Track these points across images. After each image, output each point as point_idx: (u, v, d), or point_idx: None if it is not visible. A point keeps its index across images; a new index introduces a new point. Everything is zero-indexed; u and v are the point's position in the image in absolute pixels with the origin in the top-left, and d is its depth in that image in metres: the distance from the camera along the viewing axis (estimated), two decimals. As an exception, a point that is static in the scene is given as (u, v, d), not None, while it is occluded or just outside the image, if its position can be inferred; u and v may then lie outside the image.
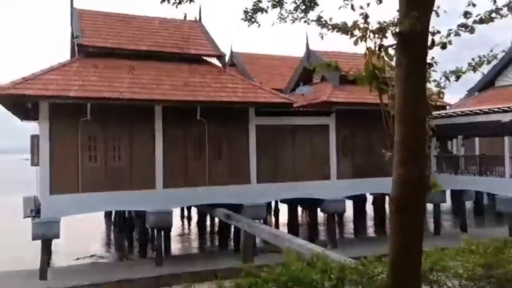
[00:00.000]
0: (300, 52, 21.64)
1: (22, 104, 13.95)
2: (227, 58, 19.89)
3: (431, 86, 3.82)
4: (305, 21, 6.00)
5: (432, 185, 3.40)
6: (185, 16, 19.73)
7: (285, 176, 16.58)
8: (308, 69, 18.73)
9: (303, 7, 6.52)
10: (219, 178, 15.62)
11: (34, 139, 14.55)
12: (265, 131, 16.33)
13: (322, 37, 5.20)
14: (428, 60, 3.47)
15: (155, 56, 16.34)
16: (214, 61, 17.60)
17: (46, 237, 13.39)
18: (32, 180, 15.58)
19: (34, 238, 13.33)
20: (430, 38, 3.43)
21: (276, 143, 16.66)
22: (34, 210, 13.96)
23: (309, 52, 19.32)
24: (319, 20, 4.70)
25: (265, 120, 16.37)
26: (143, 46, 16.47)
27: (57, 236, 13.53)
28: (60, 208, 13.52)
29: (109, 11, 18.43)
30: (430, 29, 3.42)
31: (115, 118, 14.50)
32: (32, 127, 16.77)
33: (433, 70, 3.67)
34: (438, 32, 3.50)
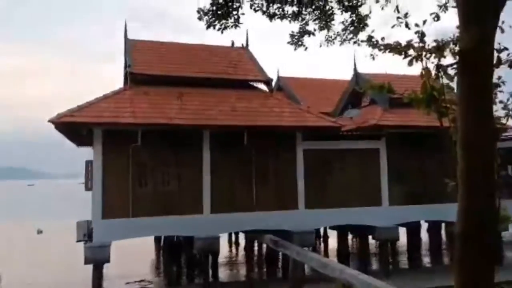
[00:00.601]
0: (347, 75, 21.41)
1: (77, 131, 14.51)
2: (274, 83, 19.96)
3: (497, 108, 3.50)
4: (354, 42, 5.87)
5: (503, 218, 3.04)
6: (232, 43, 20.08)
7: (334, 201, 16.12)
8: (357, 92, 18.58)
9: (352, 28, 6.39)
10: (266, 203, 15.42)
11: (88, 164, 15.00)
12: (313, 155, 16.09)
13: (373, 58, 5.02)
14: (494, 79, 3.17)
15: (203, 82, 16.63)
16: (261, 86, 17.71)
17: (97, 261, 13.63)
18: (87, 205, 16.03)
19: (86, 262, 13.60)
20: (495, 55, 3.15)
21: (324, 168, 16.33)
22: (86, 234, 14.29)
23: (357, 75, 19.01)
24: (369, 40, 4.53)
25: (313, 145, 16.13)
26: (192, 73, 16.83)
27: (107, 260, 13.73)
28: (111, 233, 13.76)
29: (160, 40, 19.07)
30: (496, 46, 3.13)
31: (164, 144, 14.74)
32: (88, 153, 17.35)
33: (500, 91, 3.36)
34: (506, 49, 3.20)
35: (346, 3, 6.49)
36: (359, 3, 6.58)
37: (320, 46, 6.24)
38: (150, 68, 16.52)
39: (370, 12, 6.71)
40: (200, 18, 6.97)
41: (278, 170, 15.80)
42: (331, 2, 6.51)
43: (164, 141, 14.71)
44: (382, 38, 4.26)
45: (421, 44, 3.68)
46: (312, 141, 16.11)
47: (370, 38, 4.57)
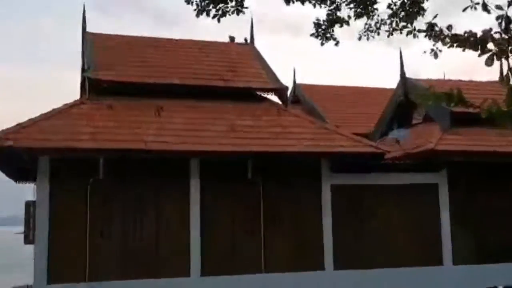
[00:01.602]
0: (390, 82, 21.49)
1: (15, 160, 14.45)
2: (289, 92, 19.98)
3: None
4: (408, 33, 5.82)
5: None
6: (231, 38, 20.22)
7: (375, 259, 15.86)
8: (405, 104, 18.59)
9: (403, 13, 6.38)
10: (279, 261, 15.24)
11: (30, 207, 14.90)
12: (345, 194, 15.94)
13: (436, 55, 4.98)
14: None
15: (191, 92, 16.65)
16: (272, 97, 17.75)
17: None
18: (26, 263, 15.86)
19: None
20: None
21: (361, 212, 16.17)
22: (26, 305, 14.10)
23: (405, 80, 19.04)
24: (431, 30, 4.51)
25: (344, 179, 15.99)
26: (176, 79, 16.87)
27: None
28: (60, 303, 13.56)
29: (132, 33, 19.29)
30: None
31: (137, 178, 14.66)
32: (30, 190, 17.24)
33: None
34: None
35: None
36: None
37: (359, 38, 6.25)
38: (118, 73, 16.60)
39: (429, -10, 6.68)
40: (188, 1, 6.95)
41: (296, 215, 15.63)
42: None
43: (137, 174, 14.62)
44: (449, 27, 4.22)
45: (504, 36, 3.63)
46: (343, 173, 15.97)
47: (431, 26, 4.55)
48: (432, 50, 5.16)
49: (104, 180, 14.16)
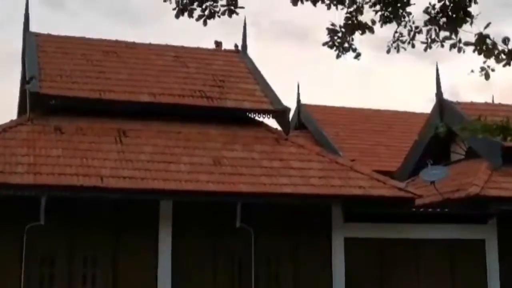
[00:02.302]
0: (422, 106, 21.49)
1: None
2: (291, 115, 19.92)
3: None
4: (452, 46, 5.70)
5: None
6: (217, 43, 20.24)
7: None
8: (442, 136, 18.51)
9: (444, 19, 6.27)
10: None
11: None
12: (363, 250, 15.85)
13: (487, 77, 4.87)
14: None
15: (164, 112, 16.62)
16: (269, 121, 17.73)
17: None
18: None
19: None
20: None
21: (383, 274, 16.08)
22: None
23: (442, 104, 19.08)
24: (482, 42, 4.45)
25: (361, 230, 15.87)
26: (144, 96, 16.82)
27: None
28: None
29: (89, 33, 19.18)
30: None
31: (90, 224, 14.44)
32: None
33: None
34: None
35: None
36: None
37: (388, 51, 6.17)
38: (69, 86, 16.48)
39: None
40: (165, -2, 6.88)
41: (297, 275, 15.45)
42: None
43: (90, 220, 14.42)
44: (506, 40, 4.18)
45: None
46: (361, 223, 15.87)
47: (483, 38, 4.50)
48: (483, 69, 5.07)
49: (46, 226, 13.82)
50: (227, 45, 20.47)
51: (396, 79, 49.15)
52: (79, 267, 14.43)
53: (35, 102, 15.86)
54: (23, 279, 13.90)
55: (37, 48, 17.51)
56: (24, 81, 17.03)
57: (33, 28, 18.35)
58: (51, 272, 14.28)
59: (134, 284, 14.57)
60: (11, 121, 15.90)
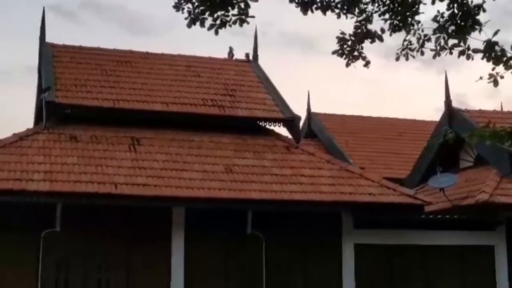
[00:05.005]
0: (429, 114, 21.43)
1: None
2: (302, 123, 19.91)
3: None
4: (461, 53, 5.67)
5: None
6: (230, 52, 20.31)
7: None
8: (451, 143, 18.44)
9: (453, 27, 6.26)
10: None
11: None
12: (373, 256, 15.83)
13: (496, 83, 4.86)
14: None
15: (176, 121, 16.70)
16: (280, 129, 17.74)
17: None
18: None
19: None
20: None
21: (393, 280, 16.02)
22: None
23: (451, 112, 19.03)
24: (490, 49, 4.44)
25: (371, 237, 15.87)
26: (157, 105, 16.91)
27: None
28: None
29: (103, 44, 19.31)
30: None
31: (104, 231, 14.45)
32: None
33: None
34: None
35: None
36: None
37: (397, 58, 6.17)
38: (84, 95, 16.56)
39: (484, 1, 6.57)
40: (178, 7, 6.91)
41: (308, 281, 15.46)
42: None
43: (104, 226, 14.44)
44: None
45: None
46: (371, 230, 15.86)
47: (491, 45, 4.48)
48: (491, 76, 5.06)
49: (61, 233, 13.95)
50: (238, 55, 20.57)
51: (403, 88, 49.08)
52: (93, 273, 14.49)
53: (51, 111, 15.93)
54: (40, 283, 14.01)
55: (52, 59, 17.64)
56: (40, 91, 17.12)
57: (48, 38, 18.48)
58: (67, 277, 14.36)
59: (147, 289, 14.66)
60: (28, 129, 15.96)
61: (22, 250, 14.05)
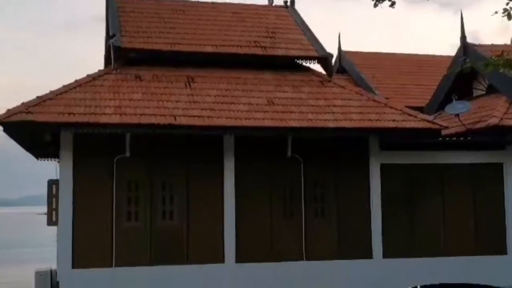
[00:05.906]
0: (447, 50, 21.13)
1: (36, 135, 14.74)
2: (333, 61, 19.79)
3: None
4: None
5: None
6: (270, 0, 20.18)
7: (430, 247, 15.81)
8: (465, 73, 18.21)
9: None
10: (322, 248, 15.27)
11: (52, 186, 15.16)
12: (396, 174, 15.88)
13: (510, 17, 4.74)
14: None
15: (225, 61, 16.71)
16: (314, 66, 17.67)
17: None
18: (49, 246, 16.21)
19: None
20: None
21: (414, 194, 16.08)
22: (49, 291, 14.46)
23: (466, 47, 18.67)
24: None
25: (395, 157, 15.93)
26: (208, 47, 16.93)
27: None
28: (85, 290, 13.91)
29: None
30: None
31: (166, 155, 14.86)
32: (53, 168, 17.48)
33: None
34: None
35: None
36: None
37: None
38: (146, 40, 16.69)
39: None
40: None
41: (340, 197, 15.66)
42: None
43: (166, 151, 14.83)
44: None
45: None
46: (395, 151, 15.90)
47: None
48: (505, 10, 4.96)
49: (130, 158, 14.40)
50: (277, 1, 20.49)
51: (423, 27, 48.05)
52: (158, 191, 14.89)
53: (118, 54, 16.14)
54: (115, 201, 14.50)
55: (117, 9, 17.74)
56: (108, 37, 17.26)
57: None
58: (136, 195, 14.77)
59: (204, 205, 14.99)
60: (99, 71, 16.20)
61: (100, 172, 14.55)
